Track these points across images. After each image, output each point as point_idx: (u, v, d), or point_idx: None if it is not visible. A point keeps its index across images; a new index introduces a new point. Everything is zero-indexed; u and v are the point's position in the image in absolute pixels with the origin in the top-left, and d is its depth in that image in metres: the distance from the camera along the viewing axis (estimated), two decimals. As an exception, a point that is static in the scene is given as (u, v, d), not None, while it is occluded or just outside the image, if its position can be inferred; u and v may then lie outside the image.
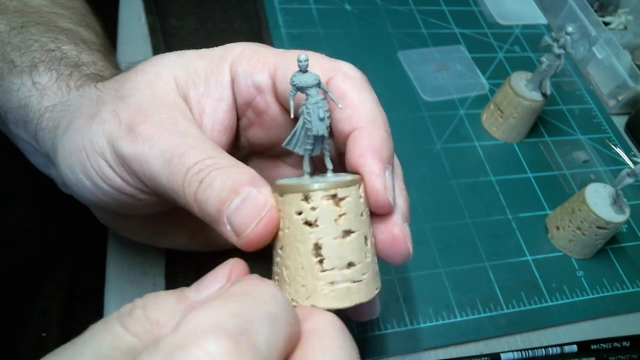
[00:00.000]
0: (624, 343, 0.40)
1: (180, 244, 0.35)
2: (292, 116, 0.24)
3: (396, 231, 0.24)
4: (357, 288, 0.22)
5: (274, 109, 0.29)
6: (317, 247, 0.22)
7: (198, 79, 0.28)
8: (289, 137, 0.25)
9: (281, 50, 0.28)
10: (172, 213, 0.32)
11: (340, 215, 0.22)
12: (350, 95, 0.25)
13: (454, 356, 0.38)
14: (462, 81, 0.56)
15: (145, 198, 0.27)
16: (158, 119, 0.26)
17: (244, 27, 0.53)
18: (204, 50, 0.29)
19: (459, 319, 0.40)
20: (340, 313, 0.22)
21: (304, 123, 0.24)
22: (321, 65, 0.26)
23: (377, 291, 0.24)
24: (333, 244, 0.22)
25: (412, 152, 0.48)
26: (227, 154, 0.25)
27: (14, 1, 0.34)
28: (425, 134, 0.50)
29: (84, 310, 0.45)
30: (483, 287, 0.42)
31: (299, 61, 0.23)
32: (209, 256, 0.37)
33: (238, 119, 0.30)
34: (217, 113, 0.28)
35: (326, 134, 0.24)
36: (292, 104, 0.24)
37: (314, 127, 0.23)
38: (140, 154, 0.25)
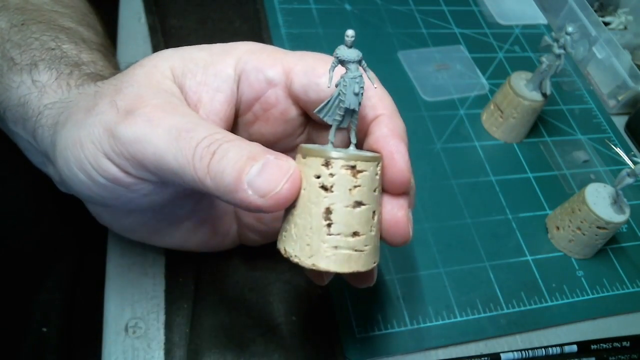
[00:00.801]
0: (624, 343, 0.40)
1: (178, 243, 0.35)
2: (328, 85, 0.25)
3: (401, 214, 0.26)
4: (357, 257, 0.24)
5: (283, 103, 0.30)
6: (328, 212, 0.23)
7: (195, 68, 0.28)
8: (322, 105, 0.26)
9: (286, 50, 0.29)
10: (169, 211, 0.32)
11: (355, 186, 0.24)
12: (377, 88, 0.28)
13: (454, 356, 0.38)
14: (462, 81, 0.56)
15: (142, 188, 0.27)
16: (157, 102, 0.26)
17: (244, 27, 0.53)
18: (204, 45, 0.29)
19: (458, 319, 0.40)
20: (338, 276, 0.24)
21: (339, 94, 0.25)
22: None
23: (375, 264, 0.25)
24: (343, 211, 0.24)
25: (412, 152, 0.48)
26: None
27: None
28: (425, 134, 0.50)
29: (85, 306, 0.45)
30: (483, 287, 0.42)
31: (347, 36, 0.24)
32: (209, 256, 0.38)
33: (238, 115, 0.30)
34: (213, 104, 0.28)
35: (357, 109, 0.25)
36: (331, 74, 0.25)
37: (347, 100, 0.24)
38: (142, 135, 0.25)
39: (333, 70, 0.25)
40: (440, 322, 0.39)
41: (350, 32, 0.24)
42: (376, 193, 0.25)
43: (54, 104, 0.29)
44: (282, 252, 0.25)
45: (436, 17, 0.61)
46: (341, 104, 0.25)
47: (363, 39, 0.56)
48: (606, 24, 0.62)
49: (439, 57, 0.57)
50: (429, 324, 0.39)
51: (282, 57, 0.29)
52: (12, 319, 0.41)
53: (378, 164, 0.25)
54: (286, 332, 0.36)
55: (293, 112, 0.30)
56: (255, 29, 0.53)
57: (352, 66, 0.24)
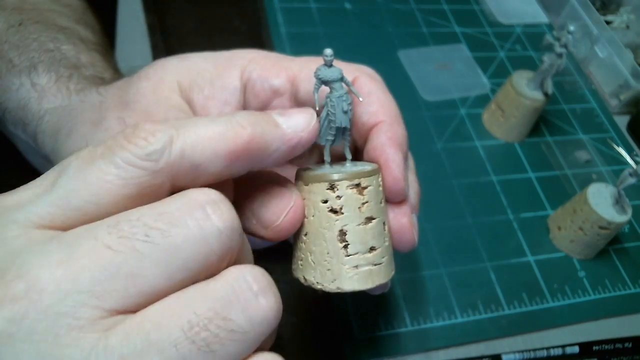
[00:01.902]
0: (626, 344, 0.40)
1: None
2: (317, 108, 0.25)
3: (404, 220, 0.26)
4: (378, 270, 0.24)
5: None
6: (342, 234, 0.24)
7: (203, 82, 0.28)
8: None
9: (292, 57, 0.29)
10: None
11: (363, 203, 0.24)
12: (376, 93, 0.27)
13: (455, 357, 0.38)
14: (463, 80, 0.56)
15: None
16: (166, 120, 0.26)
17: (244, 26, 0.53)
18: (208, 53, 0.29)
19: (459, 319, 0.39)
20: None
21: (328, 115, 0.25)
22: (344, 66, 0.28)
23: (394, 272, 0.26)
24: (357, 230, 0.24)
25: (413, 152, 0.48)
26: None
27: None
28: (426, 134, 0.50)
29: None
30: (484, 287, 0.41)
31: (325, 55, 0.24)
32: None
33: None
34: None
35: (348, 126, 0.25)
36: (316, 97, 0.25)
37: (337, 119, 0.24)
38: None
39: (318, 92, 0.25)
40: (441, 322, 0.39)
41: (328, 51, 0.24)
42: (382, 204, 0.25)
43: (54, 109, 0.29)
44: (302, 280, 0.25)
45: (437, 15, 0.61)
46: (332, 124, 0.25)
47: (363, 38, 0.56)
48: (608, 22, 0.61)
49: (439, 57, 0.57)
50: (429, 325, 0.39)
51: (286, 65, 0.29)
52: None
53: (378, 175, 0.25)
54: (286, 333, 0.36)
55: None
56: (254, 28, 0.53)
57: (336, 85, 0.24)
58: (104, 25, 0.40)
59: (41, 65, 0.30)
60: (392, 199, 0.26)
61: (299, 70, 0.28)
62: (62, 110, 0.29)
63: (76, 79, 0.30)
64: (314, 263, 0.24)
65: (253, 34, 0.52)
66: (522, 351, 0.38)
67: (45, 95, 0.29)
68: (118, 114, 0.26)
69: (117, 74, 0.34)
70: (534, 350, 0.39)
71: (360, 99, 0.26)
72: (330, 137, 0.25)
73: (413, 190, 0.28)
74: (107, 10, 0.50)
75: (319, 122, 0.24)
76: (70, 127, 0.27)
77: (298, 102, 0.29)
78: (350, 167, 0.26)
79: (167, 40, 0.50)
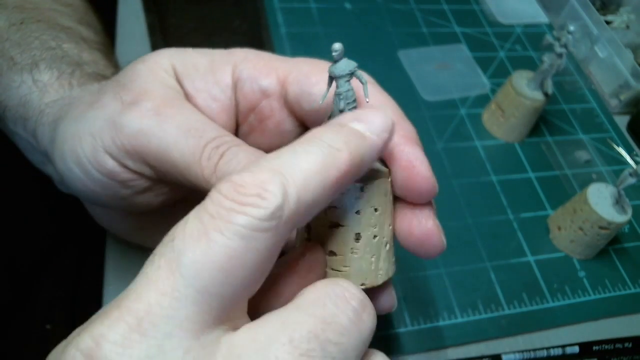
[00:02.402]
0: (626, 344, 0.40)
1: None
2: (321, 102, 0.24)
3: (430, 224, 0.25)
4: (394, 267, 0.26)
5: (278, 115, 0.28)
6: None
7: (196, 74, 0.28)
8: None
9: (287, 57, 0.28)
10: (167, 214, 0.32)
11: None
12: (377, 95, 0.27)
13: (454, 357, 0.38)
14: (463, 80, 0.56)
15: (137, 184, 0.27)
16: (164, 97, 0.25)
17: (244, 26, 0.53)
18: (205, 50, 0.29)
19: (459, 319, 0.39)
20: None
21: (332, 113, 0.24)
22: None
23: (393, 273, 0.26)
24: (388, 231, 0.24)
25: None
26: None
27: None
28: (426, 134, 0.50)
29: (88, 302, 0.44)
30: (484, 287, 0.41)
31: (334, 50, 0.23)
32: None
33: (238, 125, 0.30)
34: (207, 111, 0.28)
35: None
36: (325, 93, 0.24)
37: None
38: (147, 127, 0.24)
39: (328, 88, 0.24)
40: (441, 322, 0.39)
41: (337, 45, 0.23)
42: (378, 212, 0.24)
43: (55, 101, 0.29)
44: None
45: (437, 15, 0.61)
46: None
47: (363, 38, 0.56)
48: (608, 22, 0.61)
49: (439, 57, 0.57)
50: (429, 325, 0.39)
51: (277, 66, 0.28)
52: (15, 317, 0.40)
53: (389, 177, 0.25)
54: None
55: (289, 124, 0.29)
56: (254, 28, 0.53)
57: (341, 81, 0.24)
58: (104, 24, 0.40)
59: (43, 63, 0.30)
60: (423, 198, 0.24)
61: (288, 71, 0.27)
62: (62, 101, 0.28)
63: (78, 75, 0.30)
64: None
65: (253, 33, 0.52)
66: (522, 351, 0.38)
67: (47, 91, 0.29)
68: (114, 93, 0.26)
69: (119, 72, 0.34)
70: (534, 350, 0.39)
71: (367, 100, 0.25)
72: None
73: None
74: (107, 10, 0.50)
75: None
76: (67, 111, 0.27)
77: (287, 105, 0.28)
78: None
79: (167, 40, 0.50)
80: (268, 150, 0.30)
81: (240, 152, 0.24)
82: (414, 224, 0.25)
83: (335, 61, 0.23)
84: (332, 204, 0.23)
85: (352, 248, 0.24)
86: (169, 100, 0.25)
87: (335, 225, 0.23)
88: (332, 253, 0.24)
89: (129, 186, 0.27)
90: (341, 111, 0.24)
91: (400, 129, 0.25)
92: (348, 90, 0.24)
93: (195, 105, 0.27)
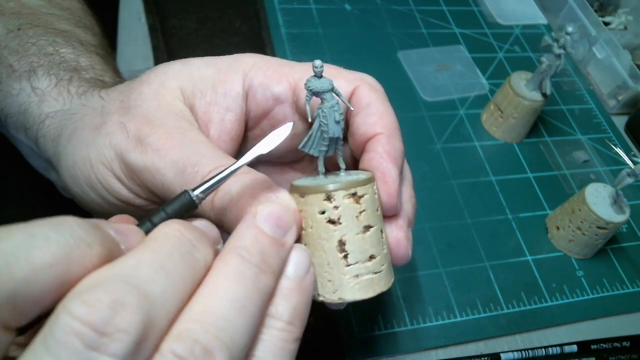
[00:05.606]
0: (624, 343, 0.40)
1: None
2: (309, 120, 0.25)
3: (400, 235, 0.26)
4: (379, 278, 0.24)
5: (291, 119, 0.29)
6: (342, 244, 0.23)
7: (205, 88, 0.28)
8: (305, 139, 0.26)
9: (293, 62, 0.29)
10: None
11: (360, 212, 0.24)
12: (375, 104, 0.27)
13: (454, 356, 0.38)
14: (462, 81, 0.56)
15: (152, 207, 0.27)
16: (166, 129, 0.26)
17: (244, 27, 0.53)
18: (210, 58, 0.29)
19: (459, 319, 0.40)
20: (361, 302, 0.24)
21: (320, 126, 0.25)
22: (344, 75, 0.28)
23: (393, 279, 0.26)
24: (356, 239, 0.24)
25: (412, 152, 0.48)
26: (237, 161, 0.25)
27: (11, 2, 0.34)
28: (425, 134, 0.50)
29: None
30: (483, 287, 0.42)
31: (315, 67, 0.24)
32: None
33: (248, 129, 0.30)
34: (224, 123, 0.28)
35: (341, 136, 0.25)
36: (308, 108, 0.25)
37: (330, 130, 0.25)
38: (151, 165, 0.25)
39: (309, 103, 0.25)
40: (440, 322, 0.39)
41: (317, 63, 0.24)
42: (378, 212, 0.25)
43: (55, 113, 0.29)
44: None
45: (436, 17, 0.61)
46: (325, 135, 0.25)
47: (363, 39, 0.56)
48: (606, 24, 0.62)
49: (439, 57, 0.57)
50: (429, 324, 0.39)
51: (288, 72, 0.28)
52: None
53: (373, 183, 0.25)
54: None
55: (300, 127, 0.30)
56: (255, 28, 0.53)
57: (327, 95, 0.24)
58: (105, 27, 0.40)
59: (40, 69, 0.30)
60: (385, 212, 0.26)
61: (300, 77, 0.28)
62: (63, 114, 0.28)
63: (76, 82, 0.30)
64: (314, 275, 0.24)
65: (253, 35, 0.53)
66: (521, 350, 0.39)
67: (46, 99, 0.29)
68: (119, 118, 0.26)
69: (118, 75, 0.34)
70: (533, 349, 0.39)
71: (352, 109, 0.26)
72: (324, 148, 0.25)
73: (410, 203, 0.28)
74: (109, 12, 0.50)
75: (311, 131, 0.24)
76: (71, 132, 0.27)
77: (299, 110, 0.28)
78: (344, 176, 0.26)
79: (168, 41, 0.50)
80: (281, 150, 0.30)
81: (234, 185, 0.24)
82: (386, 231, 0.26)
83: (317, 77, 0.24)
84: (361, 208, 0.23)
85: (382, 245, 0.25)
86: (170, 132, 0.25)
87: (367, 228, 0.24)
88: (372, 257, 0.24)
89: (144, 210, 0.27)
90: (337, 122, 0.24)
91: (388, 144, 0.26)
92: (337, 102, 0.25)
93: (210, 120, 0.28)
